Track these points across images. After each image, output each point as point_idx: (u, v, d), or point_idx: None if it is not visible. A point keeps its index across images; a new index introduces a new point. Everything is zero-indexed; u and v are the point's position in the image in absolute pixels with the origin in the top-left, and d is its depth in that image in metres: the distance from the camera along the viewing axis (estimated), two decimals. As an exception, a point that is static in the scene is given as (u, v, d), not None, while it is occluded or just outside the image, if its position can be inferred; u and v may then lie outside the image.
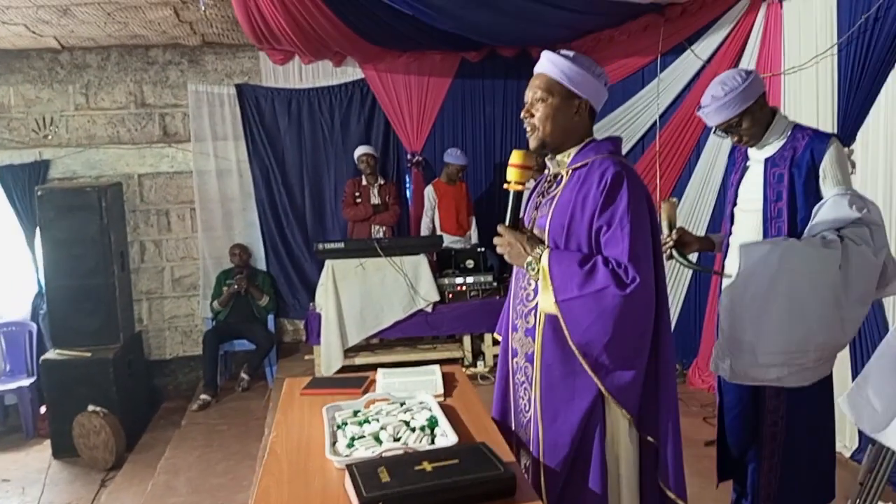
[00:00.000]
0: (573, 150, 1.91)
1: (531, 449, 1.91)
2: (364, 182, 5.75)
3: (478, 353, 5.31)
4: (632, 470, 1.87)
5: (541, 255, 1.83)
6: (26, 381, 5.31)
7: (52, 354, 4.91)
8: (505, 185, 1.92)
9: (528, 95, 1.91)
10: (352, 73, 6.05)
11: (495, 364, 5.15)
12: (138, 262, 6.02)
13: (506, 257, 1.93)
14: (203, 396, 5.35)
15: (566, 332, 1.77)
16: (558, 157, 1.94)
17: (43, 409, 5.13)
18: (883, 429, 1.73)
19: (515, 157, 1.89)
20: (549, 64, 1.88)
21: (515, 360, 2.00)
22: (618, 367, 1.76)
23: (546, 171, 2.02)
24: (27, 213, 5.52)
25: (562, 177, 1.92)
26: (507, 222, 1.92)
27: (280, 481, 1.66)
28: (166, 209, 6.07)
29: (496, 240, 1.94)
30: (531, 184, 2.10)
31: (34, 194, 5.10)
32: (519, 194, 1.91)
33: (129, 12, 4.70)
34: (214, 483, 4.06)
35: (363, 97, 6.13)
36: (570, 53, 1.89)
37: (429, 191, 5.85)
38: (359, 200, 5.70)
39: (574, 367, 1.80)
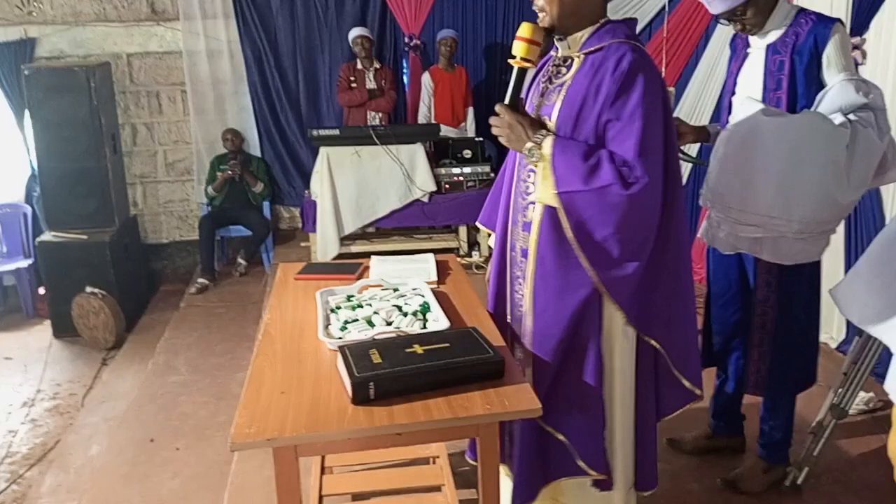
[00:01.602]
0: (586, 33, 1.77)
1: (523, 339, 1.92)
2: (359, 66, 5.57)
3: (473, 244, 5.33)
4: (626, 363, 1.87)
5: (543, 142, 1.73)
6: (24, 263, 5.34)
7: (48, 236, 4.91)
8: (509, 60, 1.77)
9: None
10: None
11: (490, 255, 5.25)
12: (130, 146, 5.91)
13: (502, 140, 1.81)
14: (201, 280, 5.41)
15: (565, 224, 1.71)
16: (570, 38, 1.79)
17: (42, 290, 5.19)
18: (873, 322, 1.75)
19: (524, 29, 1.74)
20: None
21: (512, 253, 1.96)
22: (615, 264, 1.72)
23: (554, 53, 1.88)
24: (15, 94, 5.36)
25: (572, 61, 1.79)
26: (506, 101, 1.79)
27: (273, 361, 1.69)
28: (157, 91, 5.90)
29: (493, 120, 1.81)
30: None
31: (21, 74, 4.93)
32: (523, 71, 1.76)
33: None
34: (213, 363, 4.17)
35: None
36: None
37: (425, 78, 5.68)
38: (354, 85, 5.54)
39: (569, 261, 1.76)
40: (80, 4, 5.61)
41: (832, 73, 2.22)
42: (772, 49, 2.32)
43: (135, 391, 3.94)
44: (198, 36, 5.75)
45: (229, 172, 5.60)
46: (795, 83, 2.27)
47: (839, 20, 2.28)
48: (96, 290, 4.70)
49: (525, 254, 1.88)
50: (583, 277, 1.76)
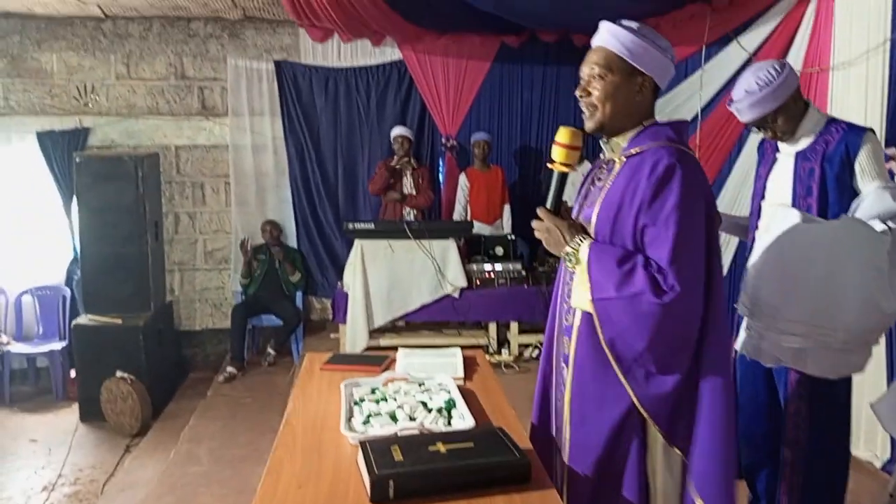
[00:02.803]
0: (629, 135, 1.73)
1: (562, 453, 1.81)
2: (394, 163, 5.73)
3: (503, 342, 5.27)
4: (668, 485, 1.72)
5: (580, 247, 1.68)
6: (58, 345, 5.42)
7: (83, 319, 4.99)
8: (549, 165, 1.76)
9: (585, 71, 1.73)
10: (390, 53, 6.01)
11: (520, 353, 5.18)
12: (172, 234, 6.09)
13: (544, 244, 1.78)
14: (229, 369, 5.41)
15: (599, 333, 1.64)
16: (612, 141, 1.76)
17: (73, 373, 5.23)
18: None
19: (563, 135, 1.72)
20: (609, 36, 1.70)
21: (556, 360, 1.88)
22: (651, 377, 1.63)
23: (601, 157, 1.85)
24: (65, 180, 5.61)
25: (614, 164, 1.75)
26: (548, 205, 1.77)
27: (293, 453, 1.65)
28: (201, 182, 6.13)
29: (535, 223, 1.77)
30: (584, 168, 1.97)
31: (72, 161, 5.17)
32: (563, 176, 1.75)
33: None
34: (236, 454, 4.09)
35: (400, 78, 6.09)
36: (633, 24, 1.71)
37: (462, 179, 5.81)
38: (391, 179, 5.68)
39: (608, 372, 1.67)
40: (135, 98, 5.94)
41: (866, 181, 2.21)
42: (801, 156, 2.33)
43: (155, 480, 3.87)
44: (244, 131, 6.01)
45: (250, 253, 5.74)
46: (826, 190, 2.26)
47: (871, 129, 2.29)
48: (126, 375, 4.71)
49: (566, 360, 1.80)
50: (622, 390, 1.67)
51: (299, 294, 5.99)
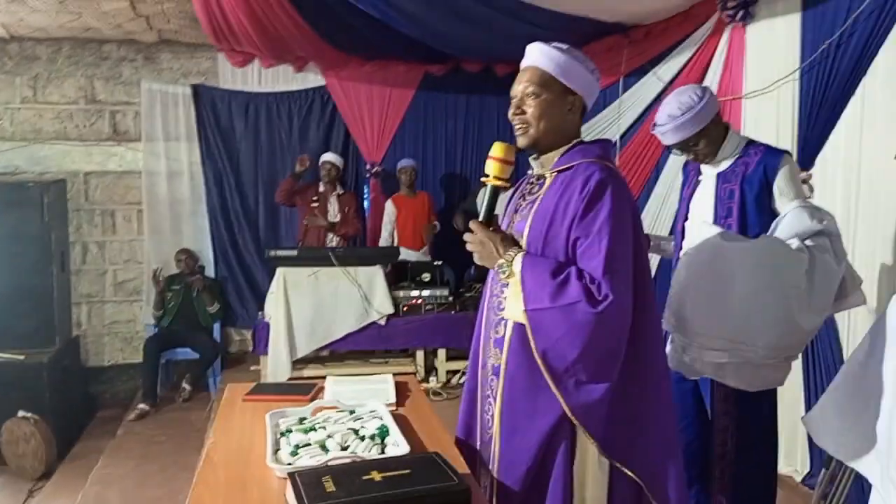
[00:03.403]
0: (559, 152, 1.78)
1: (490, 466, 1.80)
2: (321, 189, 5.64)
3: (430, 369, 5.21)
4: (599, 495, 1.73)
5: (513, 259, 1.71)
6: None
7: (-21, 356, 4.64)
8: (483, 179, 1.79)
9: (518, 90, 1.77)
10: (313, 79, 5.95)
11: (447, 381, 5.13)
12: (80, 264, 5.76)
13: (475, 257, 1.79)
14: (141, 406, 5.11)
15: (532, 344, 1.66)
16: (543, 157, 1.81)
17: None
18: (848, 451, 1.68)
19: (497, 149, 1.76)
20: (542, 56, 1.75)
21: (483, 371, 1.88)
22: (582, 386, 1.64)
23: (529, 172, 1.90)
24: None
25: (545, 179, 1.80)
26: (481, 218, 1.79)
27: (215, 490, 1.54)
28: (112, 210, 5.84)
29: (467, 236, 1.79)
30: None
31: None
32: (496, 190, 1.78)
33: (83, 2, 4.52)
34: (149, 496, 3.85)
35: (323, 104, 6.03)
36: (564, 46, 1.77)
37: (388, 205, 5.77)
38: (315, 205, 5.58)
39: (538, 382, 1.68)
40: (41, 122, 5.64)
41: (784, 202, 2.29)
42: (722, 178, 2.41)
43: (59, 528, 3.60)
44: (159, 157, 5.79)
45: (190, 284, 5.47)
46: (746, 211, 2.34)
47: (787, 152, 2.39)
48: (28, 415, 4.39)
49: (496, 372, 1.80)
50: (552, 400, 1.68)
51: (217, 326, 5.76)
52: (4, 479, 4.36)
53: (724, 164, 2.41)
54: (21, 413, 4.39)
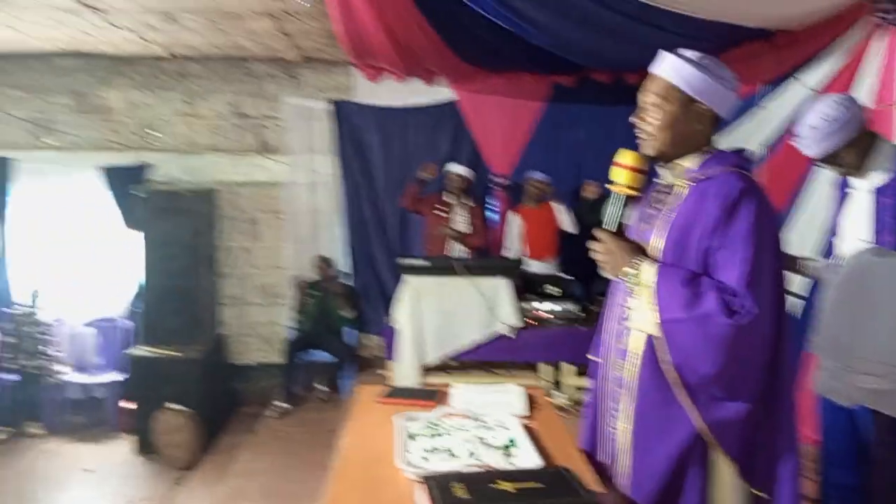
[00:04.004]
0: (694, 161, 1.74)
1: (619, 481, 1.76)
2: (447, 199, 5.72)
3: (556, 383, 5.14)
4: None
5: (644, 268, 1.67)
6: (116, 377, 5.49)
7: (140, 351, 5.06)
8: (610, 187, 1.77)
9: (642, 98, 1.76)
10: (443, 92, 6.06)
11: (574, 396, 5.03)
12: (226, 268, 6.17)
13: (602, 266, 1.77)
14: (280, 404, 5.40)
15: (667, 356, 1.61)
16: (673, 166, 1.77)
17: (126, 404, 5.29)
18: None
19: (628, 157, 1.73)
20: (668, 66, 1.72)
21: (605, 383, 1.85)
22: (719, 402, 1.58)
23: (656, 180, 1.86)
24: (128, 214, 5.76)
25: (676, 188, 1.75)
26: (609, 227, 1.76)
27: (350, 489, 1.60)
28: (257, 218, 6.23)
29: (595, 245, 1.77)
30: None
31: (135, 195, 5.31)
32: (626, 199, 1.75)
33: (232, 21, 4.87)
34: (287, 491, 4.06)
35: (452, 118, 6.13)
36: (693, 55, 1.73)
37: (514, 217, 5.77)
38: (440, 214, 5.67)
39: (672, 397, 1.63)
40: (195, 135, 6.11)
41: None
42: (880, 192, 2.23)
43: (204, 514, 3.85)
44: (300, 169, 6.12)
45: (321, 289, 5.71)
46: None
47: None
48: (181, 407, 4.74)
49: (620, 383, 1.77)
50: (687, 416, 1.62)
51: (351, 331, 5.98)
52: (156, 466, 4.72)
53: (879, 178, 2.23)
54: (173, 405, 4.74)
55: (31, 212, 6.00)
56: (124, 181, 5.82)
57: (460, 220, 5.72)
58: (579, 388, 5.10)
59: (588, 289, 5.53)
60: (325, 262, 5.94)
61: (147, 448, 4.82)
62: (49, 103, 6.04)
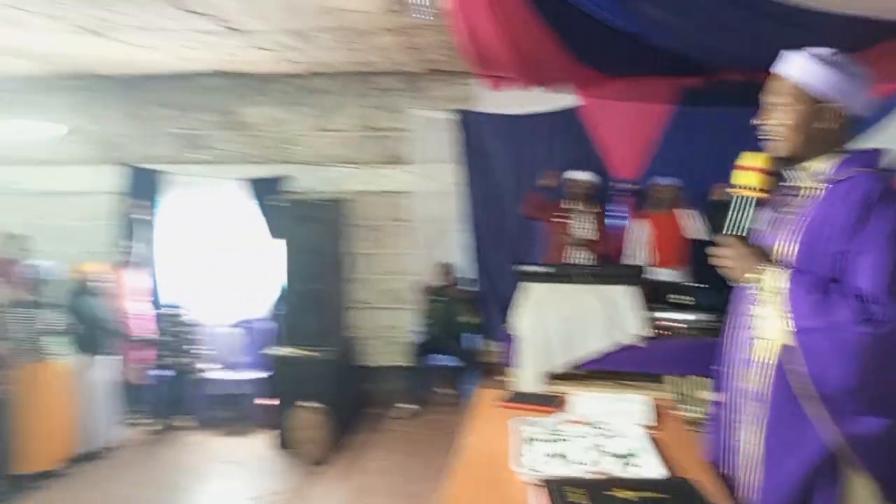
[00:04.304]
0: (826, 162, 1.66)
1: (744, 495, 1.71)
2: (568, 205, 5.68)
3: (685, 396, 4.96)
4: None
5: (770, 275, 1.60)
6: (258, 374, 5.87)
7: (281, 351, 5.39)
8: (733, 191, 1.71)
9: (767, 99, 1.70)
10: (563, 99, 6.03)
11: (703, 410, 4.83)
12: (355, 273, 6.43)
13: (727, 273, 1.71)
14: (406, 406, 5.57)
15: (800, 367, 1.54)
16: (801, 167, 1.70)
17: (265, 401, 5.63)
18: None
19: (755, 159, 1.68)
20: (793, 66, 1.66)
21: (730, 394, 1.80)
22: (857, 417, 1.49)
23: (783, 184, 1.79)
24: (271, 222, 6.15)
25: (806, 191, 1.68)
26: (733, 232, 1.70)
27: (465, 489, 1.65)
28: (383, 226, 6.46)
29: (719, 251, 1.71)
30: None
31: (276, 205, 5.68)
32: (752, 202, 1.69)
33: (361, 38, 5.09)
34: (412, 490, 4.19)
35: (573, 124, 6.08)
36: (821, 52, 1.65)
37: (642, 224, 5.64)
38: (563, 221, 5.62)
39: (803, 409, 1.56)
40: (330, 149, 6.43)
41: None
42: None
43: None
44: (425, 178, 6.27)
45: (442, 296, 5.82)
46: None
47: None
48: (316, 405, 4.99)
49: (744, 395, 1.71)
50: (820, 430, 1.55)
51: (474, 336, 6.06)
52: (291, 460, 5.00)
53: None
54: (309, 403, 5.01)
55: (180, 221, 6.53)
56: (266, 192, 6.22)
57: (583, 227, 5.66)
58: (710, 402, 4.90)
59: (723, 298, 5.29)
60: (447, 269, 6.06)
61: (285, 443, 5.11)
62: (196, 120, 6.56)
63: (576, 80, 5.76)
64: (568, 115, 6.08)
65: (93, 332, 5.14)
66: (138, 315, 5.79)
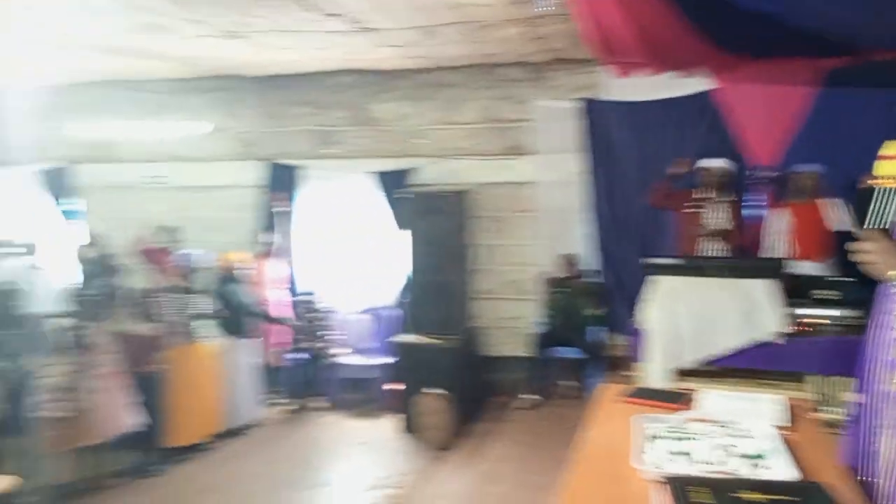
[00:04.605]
0: None
1: (882, 503, 1.61)
2: (701, 195, 5.45)
3: (826, 397, 4.66)
4: None
5: None
6: (385, 360, 6.09)
7: (406, 338, 5.56)
8: (876, 182, 1.63)
9: None
10: (697, 83, 5.78)
11: (846, 412, 4.52)
12: (478, 264, 6.51)
13: (869, 268, 1.63)
14: (528, 396, 5.59)
15: None
16: None
17: (391, 386, 5.83)
18: None
19: None
20: None
21: (871, 397, 1.70)
22: None
23: None
24: (398, 214, 6.35)
25: None
26: (876, 225, 1.63)
27: (587, 483, 1.65)
28: (506, 216, 6.49)
29: (861, 245, 1.64)
30: None
31: (402, 197, 5.86)
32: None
33: (486, 31, 5.13)
34: (535, 482, 4.21)
35: (706, 109, 5.81)
36: None
37: (782, 213, 5.32)
38: (693, 210, 5.40)
39: None
40: (455, 141, 6.53)
41: None
42: None
43: (463, 494, 4.13)
44: (550, 168, 6.23)
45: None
46: None
47: None
48: (440, 392, 5.12)
49: (886, 398, 1.62)
50: None
51: (599, 329, 5.98)
52: (417, 445, 5.16)
53: None
54: (434, 390, 5.15)
55: (314, 213, 6.86)
56: (393, 184, 6.42)
57: (716, 218, 5.41)
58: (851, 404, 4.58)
59: (871, 293, 4.91)
60: (571, 260, 6.00)
61: (411, 427, 5.28)
62: (329, 116, 6.85)
63: (709, 64, 5.51)
64: (700, 100, 5.83)
65: (237, 316, 5.53)
66: (277, 301, 6.17)
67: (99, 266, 5.90)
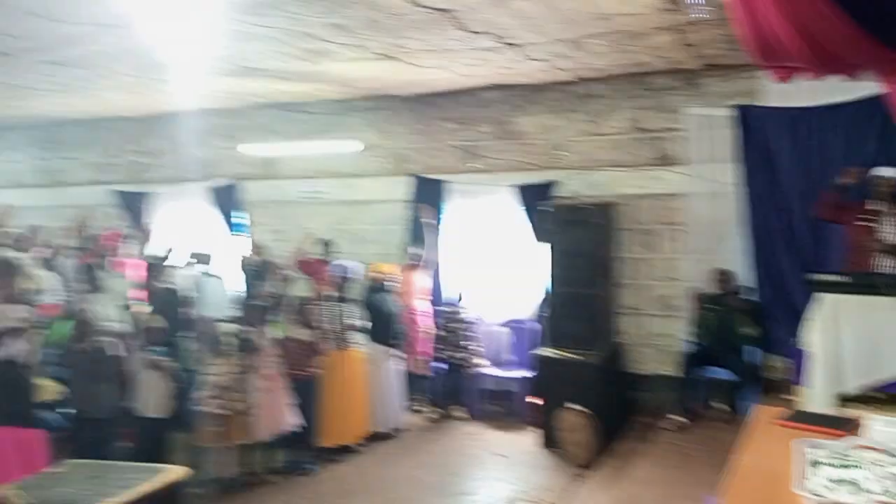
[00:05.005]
0: None
1: None
2: (874, 206, 5.01)
3: None
4: None
5: None
6: (524, 373, 6.09)
7: (546, 352, 5.54)
8: None
9: None
10: (865, 87, 5.31)
11: None
12: (624, 278, 6.35)
13: None
14: (676, 417, 5.37)
15: None
16: None
17: (530, 399, 5.82)
18: None
19: None
20: None
21: None
22: None
23: None
24: (537, 227, 6.35)
25: None
26: None
27: (742, 505, 1.58)
28: (655, 229, 6.29)
29: None
30: None
31: (542, 210, 5.86)
32: None
33: (635, 40, 5.03)
34: (679, 504, 4.04)
35: (877, 115, 5.30)
36: None
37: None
38: (865, 224, 4.97)
39: None
40: (599, 153, 6.44)
41: None
42: None
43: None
44: (701, 179, 5.98)
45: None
46: None
47: None
48: (581, 408, 5.05)
49: None
50: None
51: (753, 349, 5.63)
52: (557, 460, 5.11)
53: None
54: (574, 405, 5.08)
55: (458, 226, 7.01)
56: (535, 197, 6.43)
57: (892, 231, 4.96)
58: None
59: None
60: (724, 276, 5.71)
61: (550, 442, 5.25)
62: (474, 131, 6.99)
63: (879, 66, 5.08)
64: (870, 106, 5.36)
65: (385, 325, 5.77)
66: (422, 312, 6.35)
67: (262, 275, 6.38)
